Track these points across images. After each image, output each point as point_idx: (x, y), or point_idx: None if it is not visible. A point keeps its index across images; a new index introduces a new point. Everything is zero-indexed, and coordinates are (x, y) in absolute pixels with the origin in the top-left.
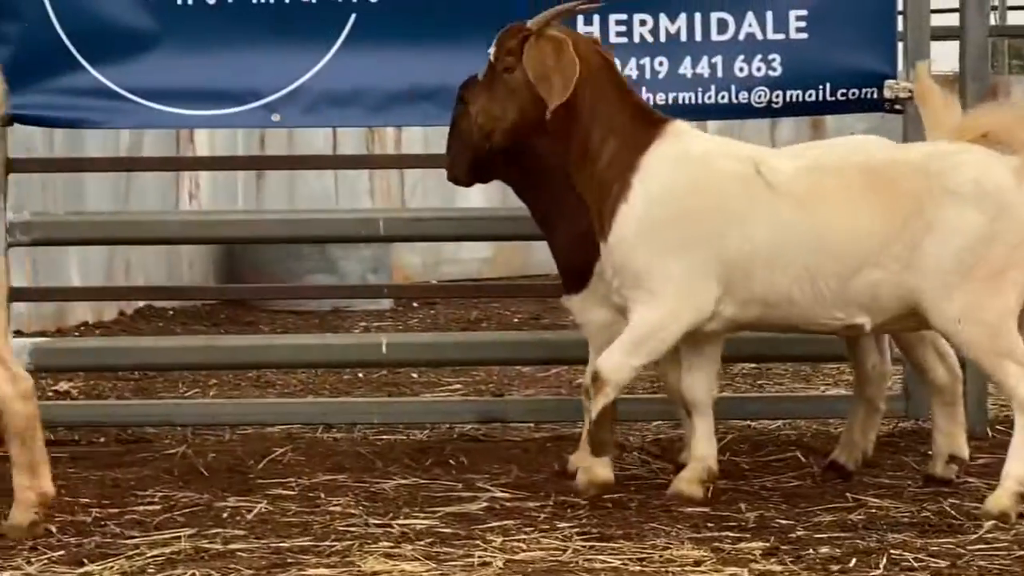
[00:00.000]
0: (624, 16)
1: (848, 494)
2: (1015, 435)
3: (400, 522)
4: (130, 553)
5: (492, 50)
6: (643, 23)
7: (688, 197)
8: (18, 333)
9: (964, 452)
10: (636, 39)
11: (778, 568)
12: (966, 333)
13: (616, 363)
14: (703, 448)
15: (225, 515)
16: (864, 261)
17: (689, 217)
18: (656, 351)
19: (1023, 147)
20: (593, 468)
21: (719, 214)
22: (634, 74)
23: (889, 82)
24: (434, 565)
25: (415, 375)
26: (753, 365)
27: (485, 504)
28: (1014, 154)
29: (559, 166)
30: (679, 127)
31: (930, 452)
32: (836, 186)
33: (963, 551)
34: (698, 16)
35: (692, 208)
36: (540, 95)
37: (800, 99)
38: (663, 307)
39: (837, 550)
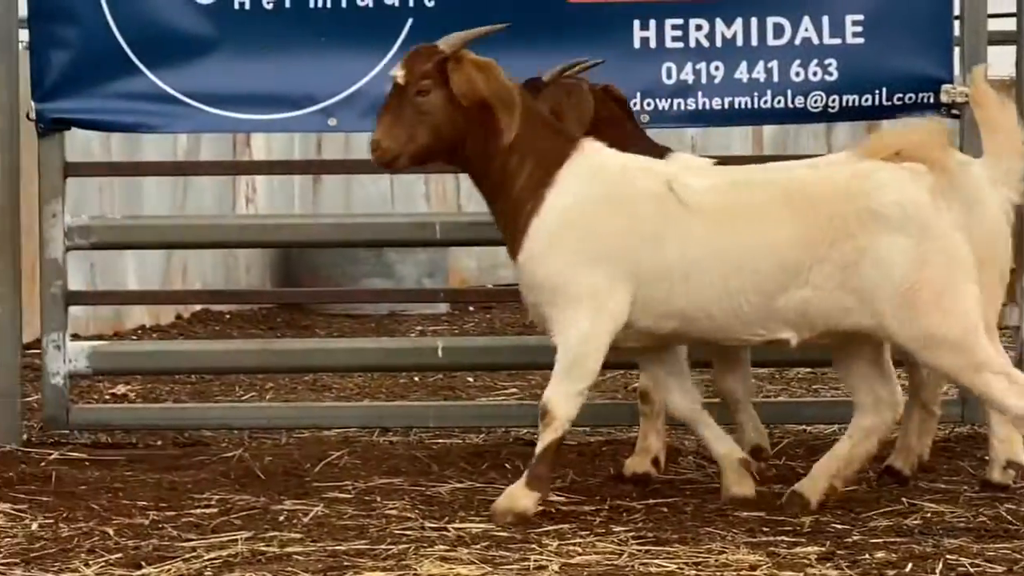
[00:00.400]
0: (680, 20)
1: (904, 499)
2: None
3: (456, 526)
4: (187, 556)
5: (400, 72)
6: (699, 28)
7: (601, 211)
8: (76, 336)
9: (1021, 457)
10: (692, 44)
11: (834, 573)
12: (934, 358)
13: (562, 395)
14: (721, 447)
15: (281, 518)
16: (790, 280)
17: (601, 231)
18: (592, 370)
19: (936, 165)
20: (519, 498)
21: (631, 230)
22: (690, 79)
23: (946, 87)
24: (490, 569)
25: (471, 379)
26: (808, 370)
27: (541, 508)
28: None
29: None
30: (593, 145)
31: (986, 457)
32: (755, 204)
33: (1020, 556)
34: (754, 21)
35: (605, 222)
36: (457, 118)
37: (856, 104)
38: (581, 324)
39: (893, 555)
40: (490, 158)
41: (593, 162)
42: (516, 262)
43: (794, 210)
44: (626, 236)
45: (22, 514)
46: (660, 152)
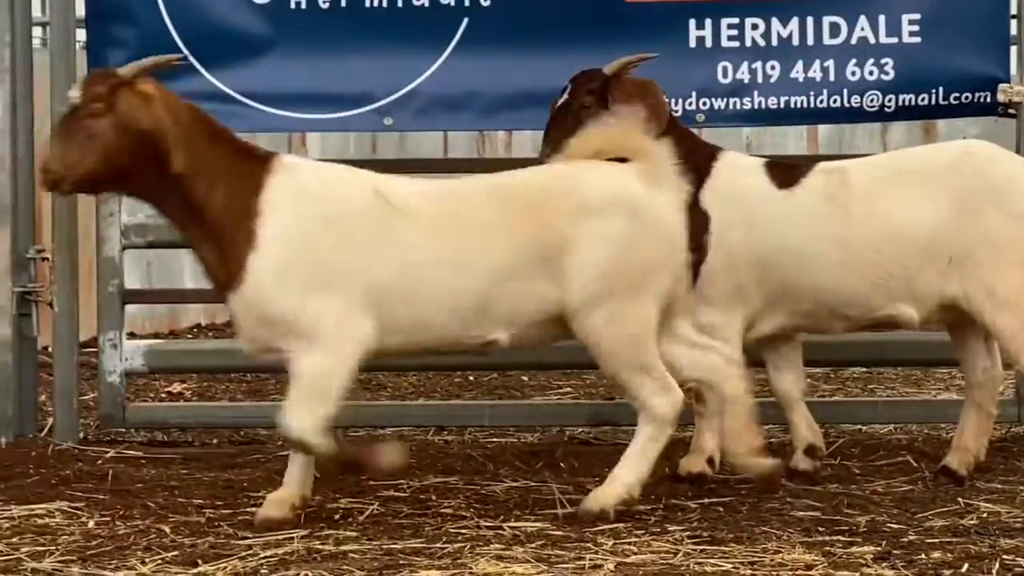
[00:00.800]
0: (736, 20)
1: (960, 499)
2: None
3: (511, 524)
4: (243, 554)
5: (76, 93)
6: (755, 27)
7: (320, 231)
8: (132, 335)
9: None
10: (748, 43)
11: (890, 573)
12: (607, 345)
13: (299, 420)
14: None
15: (337, 516)
16: (502, 280)
17: (326, 253)
18: (336, 395)
19: (638, 154)
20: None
21: (354, 243)
22: (746, 78)
23: (1002, 86)
24: (545, 567)
25: (526, 378)
26: (864, 369)
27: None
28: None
29: None
30: (288, 161)
31: None
32: (466, 208)
33: None
34: (810, 20)
35: (326, 243)
36: (124, 144)
37: (912, 103)
38: (324, 351)
39: (949, 555)
40: (168, 187)
41: (295, 181)
42: (232, 295)
43: (504, 212)
44: (350, 252)
45: (79, 512)
46: (710, 151)
